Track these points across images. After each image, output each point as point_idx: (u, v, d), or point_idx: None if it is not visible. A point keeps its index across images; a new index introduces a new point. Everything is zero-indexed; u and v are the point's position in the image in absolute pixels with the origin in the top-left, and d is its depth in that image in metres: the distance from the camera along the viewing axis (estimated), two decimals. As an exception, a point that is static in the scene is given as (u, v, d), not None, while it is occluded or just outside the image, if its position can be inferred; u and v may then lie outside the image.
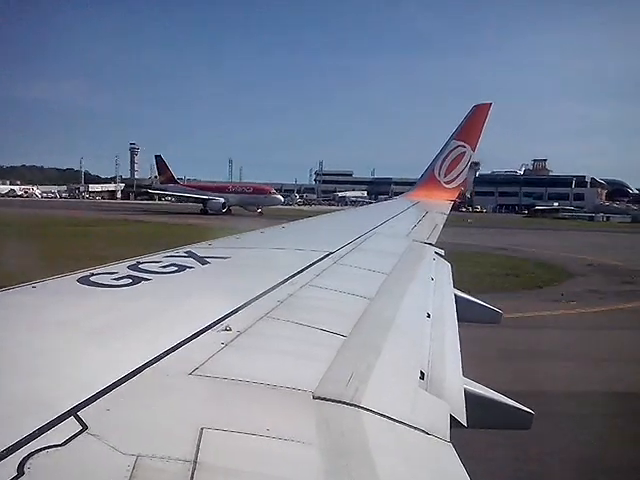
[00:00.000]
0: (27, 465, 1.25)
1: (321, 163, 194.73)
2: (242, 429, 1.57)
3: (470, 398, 2.48)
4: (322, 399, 1.86)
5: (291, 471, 1.48)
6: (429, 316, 3.44)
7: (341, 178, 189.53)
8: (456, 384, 2.55)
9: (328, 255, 4.53)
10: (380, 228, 7.59)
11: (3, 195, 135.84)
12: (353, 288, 3.57)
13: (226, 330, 2.35)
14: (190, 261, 3.78)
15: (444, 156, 13.45)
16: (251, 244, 5.38)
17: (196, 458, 1.38)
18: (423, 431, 1.88)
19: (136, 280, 3.03)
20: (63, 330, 2.21)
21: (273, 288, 3.16)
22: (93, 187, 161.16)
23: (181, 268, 3.49)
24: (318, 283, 3.53)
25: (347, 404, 1.87)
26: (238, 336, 2.32)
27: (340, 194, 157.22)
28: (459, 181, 13.58)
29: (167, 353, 2.00)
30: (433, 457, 1.83)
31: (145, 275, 3.16)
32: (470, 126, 13.18)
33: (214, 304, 2.75)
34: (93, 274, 3.12)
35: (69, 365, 1.87)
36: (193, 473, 1.32)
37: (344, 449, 1.61)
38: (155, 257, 3.86)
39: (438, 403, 2.21)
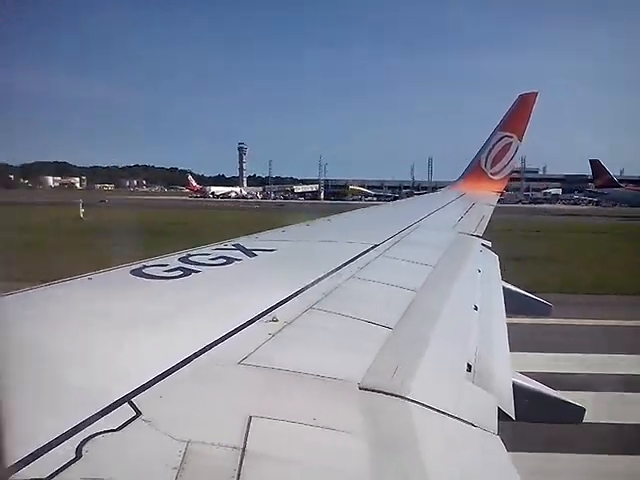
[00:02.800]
0: (84, 449, 1.31)
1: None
2: (289, 418, 1.60)
3: (518, 391, 2.43)
4: (368, 390, 1.86)
5: (337, 461, 1.49)
6: (476, 308, 3.39)
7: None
8: (504, 377, 2.51)
9: (373, 247, 4.52)
10: (426, 220, 7.51)
11: (218, 196, 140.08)
12: (399, 280, 3.55)
13: (273, 321, 2.38)
14: (238, 254, 3.84)
15: (490, 147, 13.19)
16: (297, 237, 5.41)
17: (244, 445, 1.41)
18: (470, 424, 1.87)
19: (186, 272, 3.11)
20: (118, 321, 2.29)
21: (319, 280, 3.18)
22: (297, 188, 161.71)
23: (229, 260, 3.56)
24: (363, 275, 3.53)
25: (393, 395, 1.87)
26: (285, 327, 2.35)
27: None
28: (506, 172, 13.30)
29: (216, 343, 2.05)
30: (480, 450, 1.81)
31: (195, 267, 3.23)
32: (516, 116, 12.86)
33: (261, 296, 2.79)
34: (145, 266, 3.22)
35: (123, 354, 1.94)
36: (242, 460, 1.35)
37: (390, 440, 1.61)
38: (205, 250, 3.95)
39: (485, 396, 2.18)
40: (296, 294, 2.83)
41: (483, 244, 6.47)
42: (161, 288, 2.83)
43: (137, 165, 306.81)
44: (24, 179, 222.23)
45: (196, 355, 1.92)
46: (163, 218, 50.24)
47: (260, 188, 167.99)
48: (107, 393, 1.57)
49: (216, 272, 3.28)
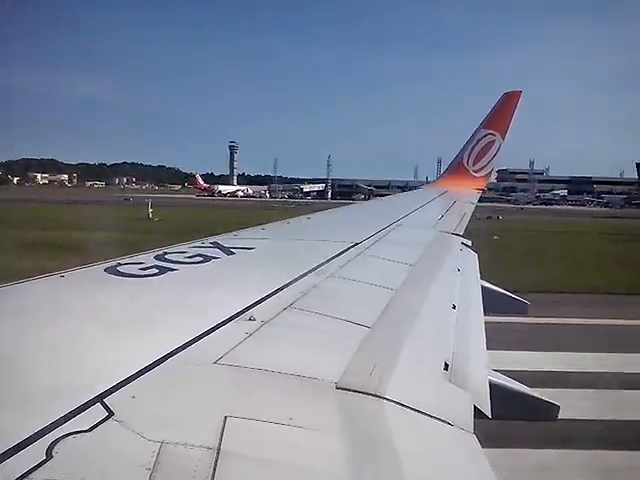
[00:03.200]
0: (55, 449, 1.29)
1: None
2: (265, 418, 1.59)
3: (495, 389, 2.45)
4: (345, 389, 1.86)
5: (313, 460, 1.48)
6: (455, 307, 3.41)
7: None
8: (480, 375, 2.53)
9: (353, 246, 4.52)
10: (407, 218, 7.54)
11: (225, 195, 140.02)
12: (378, 279, 3.56)
13: (250, 320, 2.36)
14: (215, 251, 3.81)
15: (473, 144, 13.30)
16: (276, 235, 5.40)
17: (219, 446, 1.40)
18: (446, 422, 1.87)
19: (162, 270, 3.07)
20: (90, 319, 2.26)
21: (297, 279, 3.17)
22: (305, 187, 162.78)
23: (207, 258, 3.52)
24: (343, 274, 3.52)
25: (370, 395, 1.87)
26: (262, 326, 2.33)
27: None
28: (488, 169, 13.43)
29: (192, 342, 2.03)
30: (456, 448, 1.82)
31: (171, 265, 3.20)
32: (499, 114, 12.99)
33: (238, 294, 2.77)
34: (120, 264, 3.17)
35: (97, 353, 1.91)
36: (216, 460, 1.34)
37: (366, 439, 1.61)
38: (181, 247, 3.91)
39: (462, 394, 2.19)
40: (274, 293, 2.81)
41: (463, 243, 6.51)
42: (136, 286, 2.80)
43: (125, 162, 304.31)
44: (12, 176, 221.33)
45: (171, 354, 1.89)
46: (221, 217, 50.92)
47: (265, 187, 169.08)
48: (79, 393, 1.54)
49: (193, 270, 3.25)
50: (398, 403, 1.86)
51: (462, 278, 4.49)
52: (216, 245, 4.09)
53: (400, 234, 6.02)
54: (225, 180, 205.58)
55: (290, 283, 3.05)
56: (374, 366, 2.09)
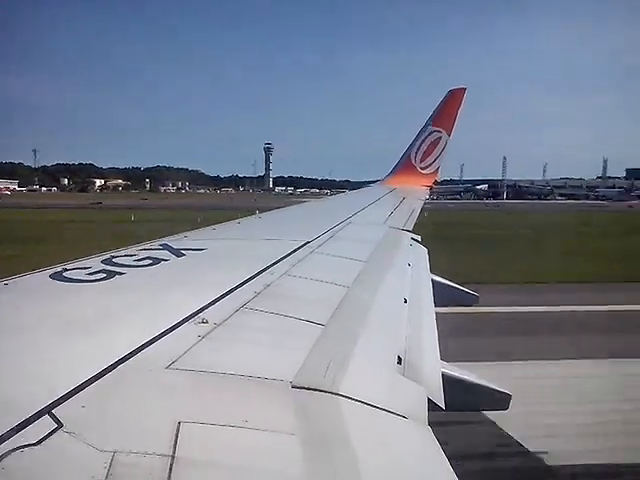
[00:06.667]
0: (1, 465, 1.24)
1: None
2: (220, 421, 1.57)
3: (447, 381, 2.51)
4: (301, 388, 1.86)
5: (270, 461, 1.48)
6: (406, 301, 3.46)
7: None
8: (433, 368, 2.58)
9: (305, 244, 4.53)
10: (357, 216, 7.61)
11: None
12: (330, 277, 3.58)
13: (202, 322, 2.33)
14: (165, 254, 3.74)
15: (420, 142, 13.50)
16: (227, 235, 5.34)
17: (174, 452, 1.37)
18: (401, 416, 1.90)
19: (110, 274, 2.99)
20: (35, 327, 2.17)
21: (250, 279, 3.15)
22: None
23: (156, 261, 3.45)
24: (295, 272, 3.52)
25: (326, 392, 1.88)
26: (215, 328, 2.31)
27: None
28: (435, 166, 13.65)
29: (143, 347, 1.98)
30: (411, 441, 1.86)
31: (119, 269, 3.12)
32: (445, 111, 13.23)
33: (190, 297, 2.72)
34: (66, 269, 3.07)
35: (43, 363, 1.84)
36: (171, 467, 1.32)
37: (324, 437, 1.62)
38: (130, 251, 3.82)
39: (415, 387, 2.23)
40: (226, 294, 2.78)
41: (413, 238, 6.63)
42: (83, 292, 2.71)
43: (158, 166, 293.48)
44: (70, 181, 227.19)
45: (121, 361, 1.85)
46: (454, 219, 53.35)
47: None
48: (25, 405, 1.49)
49: (142, 273, 3.18)
50: (353, 399, 1.88)
51: (413, 272, 4.57)
52: (165, 247, 4.01)
53: (351, 231, 6.07)
54: (260, 182, 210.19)
55: (243, 283, 3.03)
56: (329, 363, 2.10)
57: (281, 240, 4.86)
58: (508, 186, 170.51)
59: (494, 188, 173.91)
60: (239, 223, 6.34)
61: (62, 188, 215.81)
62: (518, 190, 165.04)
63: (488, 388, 3.07)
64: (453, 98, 13.21)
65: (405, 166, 13.78)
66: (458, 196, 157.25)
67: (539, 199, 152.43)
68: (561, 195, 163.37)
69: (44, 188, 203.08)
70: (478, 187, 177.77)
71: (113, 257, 3.48)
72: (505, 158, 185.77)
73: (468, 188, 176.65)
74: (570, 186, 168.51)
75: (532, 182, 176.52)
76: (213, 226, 5.77)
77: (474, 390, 2.98)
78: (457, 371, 2.94)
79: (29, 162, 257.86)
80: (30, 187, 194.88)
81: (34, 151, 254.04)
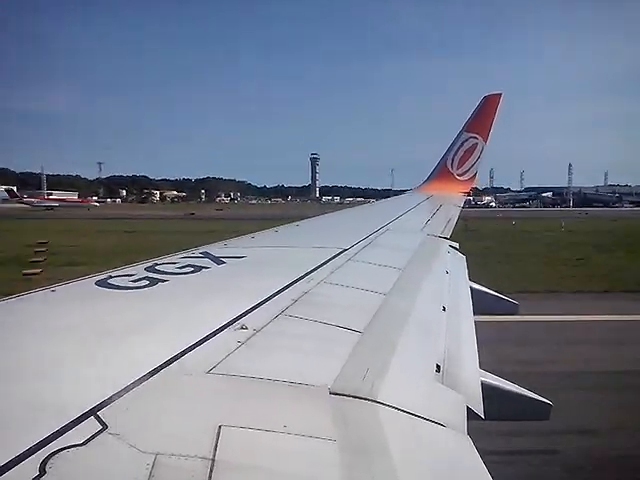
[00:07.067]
0: (49, 465, 1.28)
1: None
2: (260, 426, 1.59)
3: (487, 390, 2.47)
4: (339, 395, 1.87)
5: (309, 467, 1.49)
6: (444, 309, 3.43)
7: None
8: (472, 376, 2.55)
9: (342, 252, 4.53)
10: (394, 223, 7.57)
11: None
12: (368, 284, 3.57)
13: (242, 329, 2.36)
14: (206, 261, 3.81)
15: (456, 148, 13.37)
16: (266, 243, 5.39)
17: (214, 456, 1.39)
18: (440, 424, 1.89)
19: (153, 282, 3.06)
20: (82, 332, 2.24)
21: (288, 286, 3.17)
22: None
23: (197, 269, 3.52)
24: (333, 280, 3.53)
25: (364, 399, 1.88)
26: (254, 334, 2.33)
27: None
28: (472, 173, 13.50)
29: (184, 353, 2.02)
30: (450, 450, 1.84)
31: (162, 276, 3.19)
32: (481, 117, 13.08)
33: (230, 303, 2.77)
34: (111, 276, 3.16)
35: (89, 366, 1.90)
36: (211, 471, 1.34)
37: (361, 444, 1.62)
38: (172, 258, 3.90)
39: (454, 396, 2.21)
40: (265, 301, 2.81)
41: (451, 245, 6.56)
42: (127, 298, 2.79)
43: (208, 177, 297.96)
44: (149, 194, 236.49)
45: (164, 366, 1.89)
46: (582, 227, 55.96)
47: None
48: (72, 407, 1.53)
49: (183, 281, 3.24)
50: (391, 406, 1.88)
51: (451, 280, 4.52)
52: (206, 255, 4.08)
53: (388, 239, 6.05)
54: (305, 191, 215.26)
55: (281, 290, 3.06)
56: (367, 370, 2.10)
57: (318, 248, 4.88)
58: (574, 193, 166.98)
59: (559, 196, 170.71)
60: (277, 231, 6.39)
61: (123, 199, 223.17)
62: (584, 197, 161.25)
63: (528, 398, 3.01)
64: (488, 104, 13.04)
65: (442, 173, 13.67)
66: (526, 204, 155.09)
67: (605, 206, 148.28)
68: (631, 202, 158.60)
69: (109, 200, 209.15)
70: (543, 195, 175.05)
71: (156, 265, 3.56)
72: (571, 165, 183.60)
73: (533, 196, 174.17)
74: (636, 193, 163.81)
75: (597, 189, 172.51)
76: (252, 234, 5.84)
77: (514, 399, 2.92)
78: (496, 380, 2.89)
79: (85, 174, 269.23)
80: (97, 199, 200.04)
81: (99, 164, 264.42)
